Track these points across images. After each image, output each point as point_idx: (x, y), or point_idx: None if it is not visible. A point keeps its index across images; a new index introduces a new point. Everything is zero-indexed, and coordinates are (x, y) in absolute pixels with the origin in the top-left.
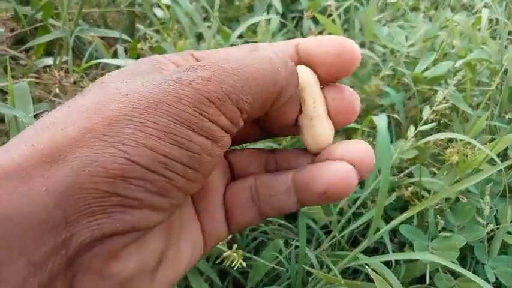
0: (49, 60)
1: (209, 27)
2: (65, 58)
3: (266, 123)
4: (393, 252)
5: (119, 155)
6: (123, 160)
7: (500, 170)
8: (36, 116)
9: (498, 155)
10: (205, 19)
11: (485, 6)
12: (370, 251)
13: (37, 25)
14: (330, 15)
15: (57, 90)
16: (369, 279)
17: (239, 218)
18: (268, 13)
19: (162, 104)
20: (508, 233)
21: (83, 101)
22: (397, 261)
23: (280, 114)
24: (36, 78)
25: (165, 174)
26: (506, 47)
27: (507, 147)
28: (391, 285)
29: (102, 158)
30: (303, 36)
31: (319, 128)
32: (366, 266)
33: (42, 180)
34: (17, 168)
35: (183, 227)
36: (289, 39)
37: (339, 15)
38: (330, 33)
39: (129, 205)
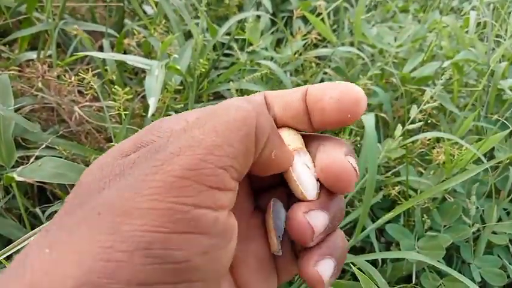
0: (33, 54)
1: (197, 24)
2: (49, 52)
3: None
4: (380, 251)
5: None
6: None
7: (487, 170)
8: (17, 110)
9: (485, 156)
10: (196, 17)
11: (473, 9)
12: (358, 251)
13: (20, 18)
14: (319, 15)
15: (40, 84)
16: (356, 279)
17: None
18: (257, 11)
19: (132, 209)
20: (494, 232)
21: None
22: (384, 261)
23: (269, 162)
24: (19, 71)
25: None
26: (493, 49)
27: (493, 148)
28: (377, 285)
29: None
30: (292, 35)
31: (302, 183)
32: (352, 265)
33: None
34: None
35: None
36: (279, 38)
37: (329, 16)
38: (319, 34)
39: None
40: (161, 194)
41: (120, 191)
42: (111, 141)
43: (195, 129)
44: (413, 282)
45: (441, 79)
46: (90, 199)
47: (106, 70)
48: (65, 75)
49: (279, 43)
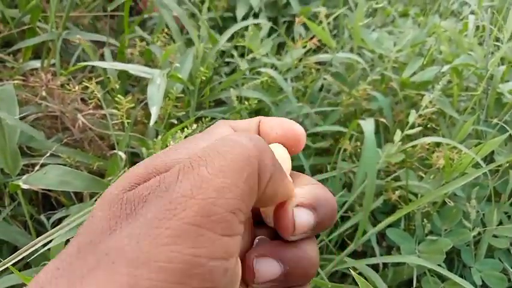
0: (36, 63)
1: (199, 34)
2: (52, 61)
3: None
4: (381, 255)
5: None
6: None
7: (487, 174)
8: (22, 119)
9: (485, 160)
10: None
11: (471, 13)
12: (359, 255)
13: (24, 28)
14: (321, 22)
15: (43, 93)
16: (357, 283)
17: None
18: (258, 18)
19: (150, 262)
20: (495, 236)
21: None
22: (385, 265)
23: (272, 198)
24: (23, 80)
25: None
26: (492, 53)
27: (493, 151)
28: None
29: None
30: (293, 41)
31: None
32: (351, 270)
33: None
34: None
35: None
36: (280, 44)
37: (329, 22)
38: (319, 40)
39: None
40: (178, 245)
41: (133, 239)
42: (114, 149)
43: (202, 167)
44: (414, 286)
45: (439, 84)
46: (101, 240)
47: (108, 78)
48: (68, 84)
49: (280, 48)
